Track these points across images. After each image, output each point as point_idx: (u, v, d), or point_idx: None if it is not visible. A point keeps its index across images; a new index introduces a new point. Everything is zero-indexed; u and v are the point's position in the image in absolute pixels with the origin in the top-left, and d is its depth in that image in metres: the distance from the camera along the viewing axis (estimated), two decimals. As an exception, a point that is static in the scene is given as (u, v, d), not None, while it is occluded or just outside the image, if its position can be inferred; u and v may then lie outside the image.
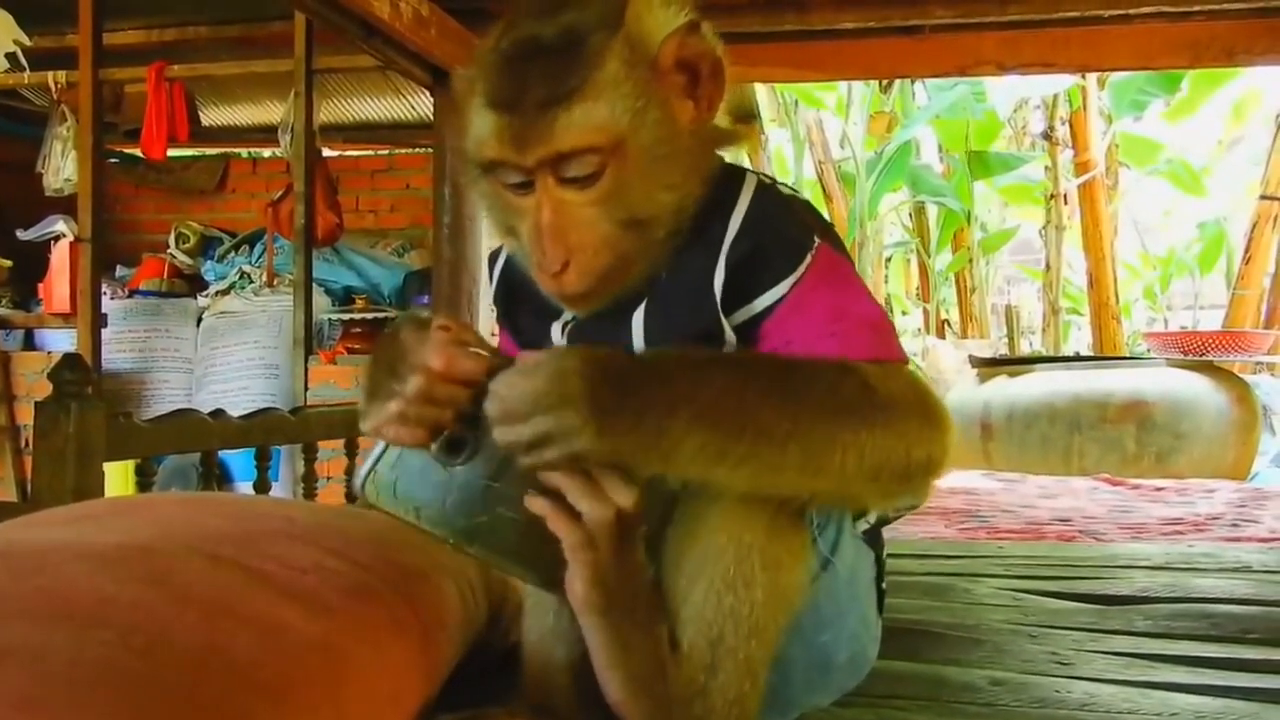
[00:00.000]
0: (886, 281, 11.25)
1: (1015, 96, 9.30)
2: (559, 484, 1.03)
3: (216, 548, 1.09)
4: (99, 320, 4.82)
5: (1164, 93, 8.93)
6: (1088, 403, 6.37)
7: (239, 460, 5.40)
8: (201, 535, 1.13)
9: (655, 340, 1.20)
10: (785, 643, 1.18)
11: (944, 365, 9.07)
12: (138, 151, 6.23)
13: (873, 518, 1.36)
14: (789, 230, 1.20)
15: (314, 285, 5.59)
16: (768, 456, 1.04)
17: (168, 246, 7.08)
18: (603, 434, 0.98)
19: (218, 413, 3.09)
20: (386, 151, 7.32)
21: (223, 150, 7.53)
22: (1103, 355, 8.59)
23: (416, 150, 7.08)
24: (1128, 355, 8.72)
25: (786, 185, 1.31)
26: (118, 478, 4.50)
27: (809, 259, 1.18)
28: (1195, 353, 6.83)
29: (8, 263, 6.77)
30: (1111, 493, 4.54)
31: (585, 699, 1.10)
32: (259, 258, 6.73)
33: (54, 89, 6.07)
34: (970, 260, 10.45)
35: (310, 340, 5.41)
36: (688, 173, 1.19)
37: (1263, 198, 8.45)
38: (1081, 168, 9.30)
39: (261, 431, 3.24)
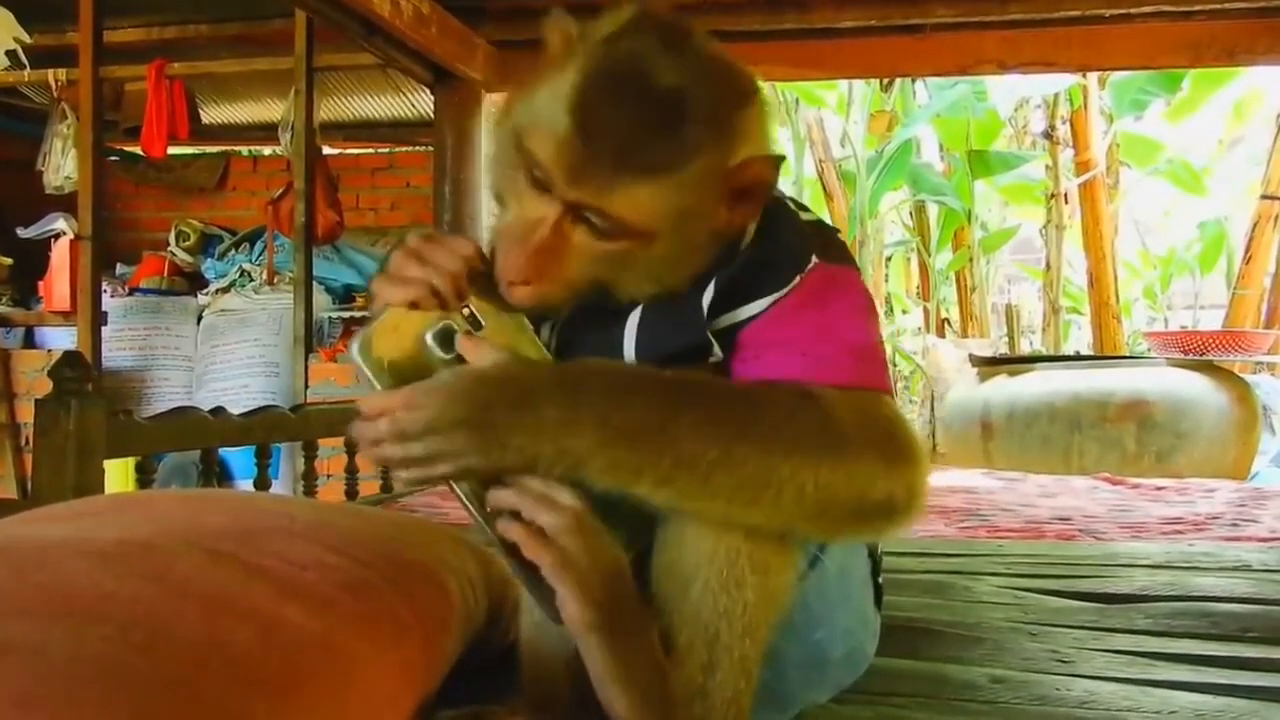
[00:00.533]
0: (887, 280, 11.24)
1: (1016, 96, 9.29)
2: (511, 503, 1.05)
3: (216, 544, 1.08)
4: (99, 318, 4.83)
5: (1165, 92, 8.92)
6: (1088, 402, 6.37)
7: (239, 458, 5.41)
8: (201, 531, 1.12)
9: (645, 349, 1.19)
10: (779, 640, 1.18)
11: (944, 364, 9.06)
12: (138, 149, 6.24)
13: None
14: (785, 248, 1.19)
15: (314, 283, 5.60)
16: (688, 483, 1.04)
17: (168, 244, 7.08)
18: (488, 453, 1.01)
19: (218, 410, 3.10)
20: (387, 149, 7.33)
21: (223, 148, 7.54)
22: (1103, 354, 8.59)
23: (417, 148, 7.09)
24: (1128, 355, 8.72)
25: (806, 209, 1.29)
26: (118, 475, 4.50)
27: (798, 279, 1.17)
28: (1195, 352, 6.82)
29: (8, 260, 6.78)
30: (1112, 492, 4.54)
31: (584, 696, 1.10)
32: (259, 256, 6.73)
33: (54, 87, 6.08)
34: (971, 259, 10.44)
35: (310, 338, 5.42)
36: (683, 272, 1.17)
37: (1263, 197, 8.44)
38: (1082, 167, 9.30)
39: (262, 429, 3.24)
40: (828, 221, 1.34)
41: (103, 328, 4.96)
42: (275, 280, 6.54)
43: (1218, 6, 4.74)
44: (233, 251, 6.94)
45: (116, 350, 6.53)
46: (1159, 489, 4.57)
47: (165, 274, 6.95)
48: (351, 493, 3.88)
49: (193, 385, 6.65)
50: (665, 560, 1.15)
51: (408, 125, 7.05)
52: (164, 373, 6.69)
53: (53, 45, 5.38)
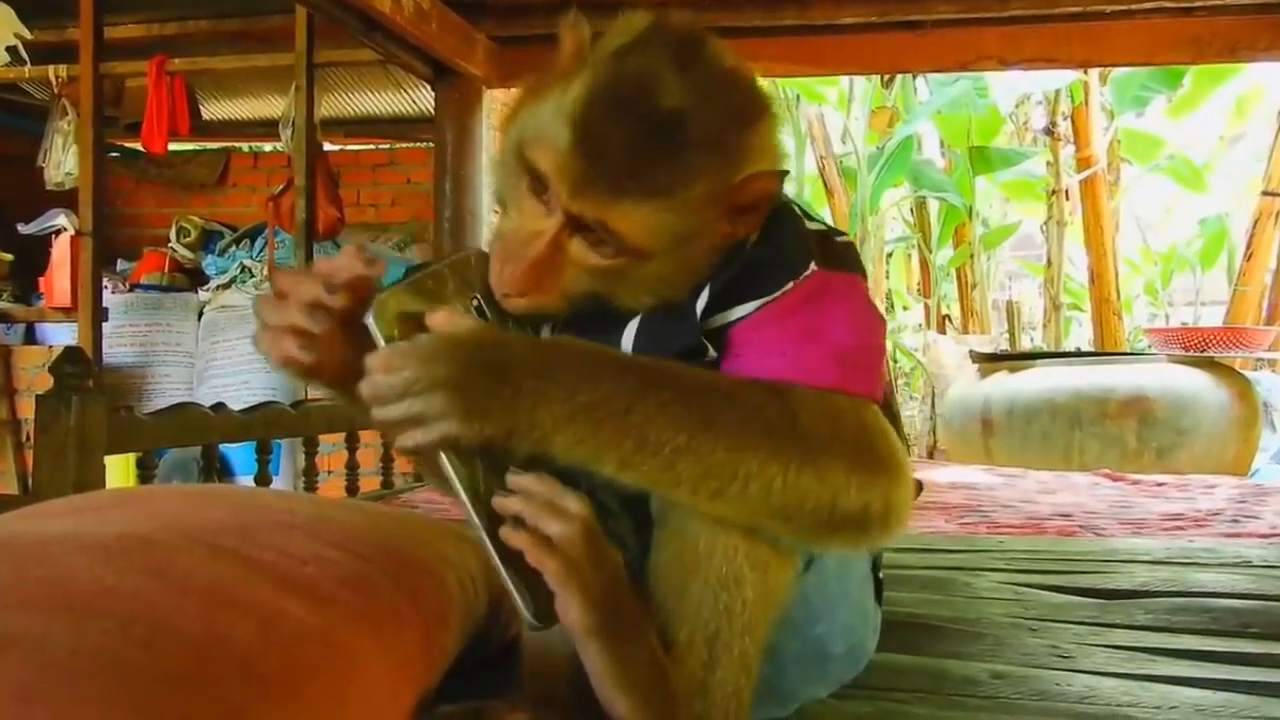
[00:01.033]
0: (888, 277, 11.23)
1: (1017, 92, 9.28)
2: (517, 510, 1.04)
3: (217, 539, 1.08)
4: (100, 314, 4.83)
5: (1166, 88, 8.91)
6: (1088, 398, 6.37)
7: (240, 454, 5.41)
8: (202, 526, 1.12)
9: (643, 351, 1.18)
10: (778, 636, 1.19)
11: (945, 360, 9.06)
12: (138, 146, 6.23)
13: None
14: (782, 255, 1.18)
15: (315, 279, 5.58)
16: (652, 468, 1.03)
17: (169, 241, 7.09)
18: (470, 418, 0.99)
19: (219, 406, 3.10)
20: (387, 146, 7.33)
21: (224, 144, 7.54)
22: (1104, 351, 8.58)
23: (417, 144, 7.09)
24: (1129, 351, 8.72)
25: (815, 218, 1.29)
26: (119, 471, 4.50)
27: (791, 285, 1.16)
28: (1196, 349, 6.82)
29: (9, 257, 6.79)
30: (1112, 488, 4.54)
31: (585, 692, 1.10)
32: (260, 252, 6.73)
33: (55, 83, 6.08)
34: (971, 256, 10.43)
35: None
36: (681, 286, 1.17)
37: (1264, 194, 8.44)
38: (1083, 163, 9.29)
39: (262, 425, 3.25)
40: (836, 228, 1.32)
41: (103, 324, 4.96)
42: (276, 276, 6.54)
43: (1219, 3, 4.74)
44: (233, 248, 6.94)
45: (117, 346, 6.53)
46: (1159, 485, 4.58)
47: (166, 270, 6.95)
48: (352, 489, 3.88)
49: (193, 381, 6.65)
50: (663, 558, 1.15)
51: (408, 121, 7.05)
52: (165, 369, 6.69)
53: (53, 41, 5.38)
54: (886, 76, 9.39)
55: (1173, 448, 6.20)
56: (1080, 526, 3.35)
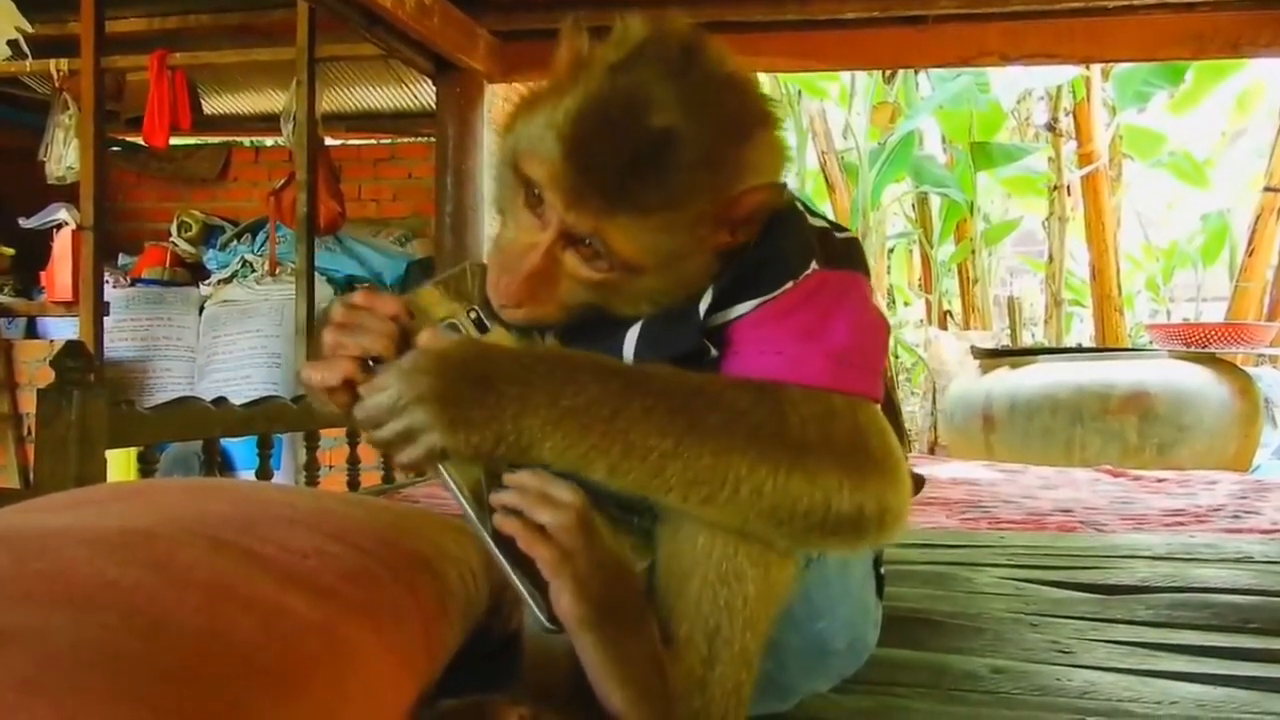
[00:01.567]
0: (889, 272, 11.23)
1: (1019, 87, 9.27)
2: (512, 503, 1.05)
3: (218, 532, 1.09)
4: (101, 308, 4.83)
5: (1168, 84, 8.90)
6: (1090, 394, 6.37)
7: (241, 448, 5.42)
8: (203, 520, 1.13)
9: (644, 355, 1.18)
10: (780, 631, 1.18)
11: (946, 356, 9.06)
12: (140, 140, 6.23)
13: None
14: (784, 254, 1.18)
15: (316, 274, 5.59)
16: (641, 473, 1.03)
17: (170, 235, 7.08)
18: (455, 430, 1.00)
19: (220, 401, 3.10)
20: (389, 140, 7.33)
21: (225, 139, 7.54)
22: (1105, 347, 8.59)
23: (419, 139, 7.09)
24: (1130, 347, 8.72)
25: (818, 214, 1.28)
26: (120, 465, 4.50)
27: (790, 284, 1.16)
28: (1198, 345, 6.81)
29: (10, 251, 6.78)
30: (1113, 484, 4.54)
31: (585, 686, 1.10)
32: (261, 246, 6.73)
33: (56, 77, 6.07)
34: (973, 251, 10.43)
35: (312, 329, 5.41)
36: (679, 295, 1.17)
37: (1266, 190, 8.43)
38: (1085, 159, 9.29)
39: (264, 420, 3.25)
40: (839, 224, 1.32)
41: (105, 318, 4.96)
42: (277, 271, 6.54)
43: (1221, -2, 4.74)
44: (235, 242, 6.93)
45: (118, 341, 6.53)
46: (1160, 481, 4.57)
47: (167, 265, 6.94)
48: (353, 483, 3.88)
49: (194, 376, 6.65)
50: (664, 554, 1.15)
51: (409, 116, 7.04)
52: (166, 363, 6.69)
53: (54, 35, 5.37)
54: (888, 72, 9.38)
55: (1174, 443, 6.20)
56: (1081, 522, 3.34)
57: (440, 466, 1.04)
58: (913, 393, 10.62)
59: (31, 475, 5.19)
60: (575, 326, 1.21)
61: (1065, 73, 8.55)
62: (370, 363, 1.07)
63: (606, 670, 1.07)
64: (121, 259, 7.09)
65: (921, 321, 11.70)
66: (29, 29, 4.56)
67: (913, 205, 11.19)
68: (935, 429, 9.18)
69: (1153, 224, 12.65)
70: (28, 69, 5.95)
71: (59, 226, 6.51)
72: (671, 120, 1.07)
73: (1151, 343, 7.83)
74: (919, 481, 1.52)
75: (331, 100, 6.71)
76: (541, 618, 1.06)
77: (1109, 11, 4.89)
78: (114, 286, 6.64)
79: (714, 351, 1.16)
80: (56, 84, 6.12)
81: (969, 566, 2.46)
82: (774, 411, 1.07)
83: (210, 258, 6.96)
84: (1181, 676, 1.65)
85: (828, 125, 10.09)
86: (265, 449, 3.29)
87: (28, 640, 0.80)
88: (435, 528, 1.40)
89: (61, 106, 6.13)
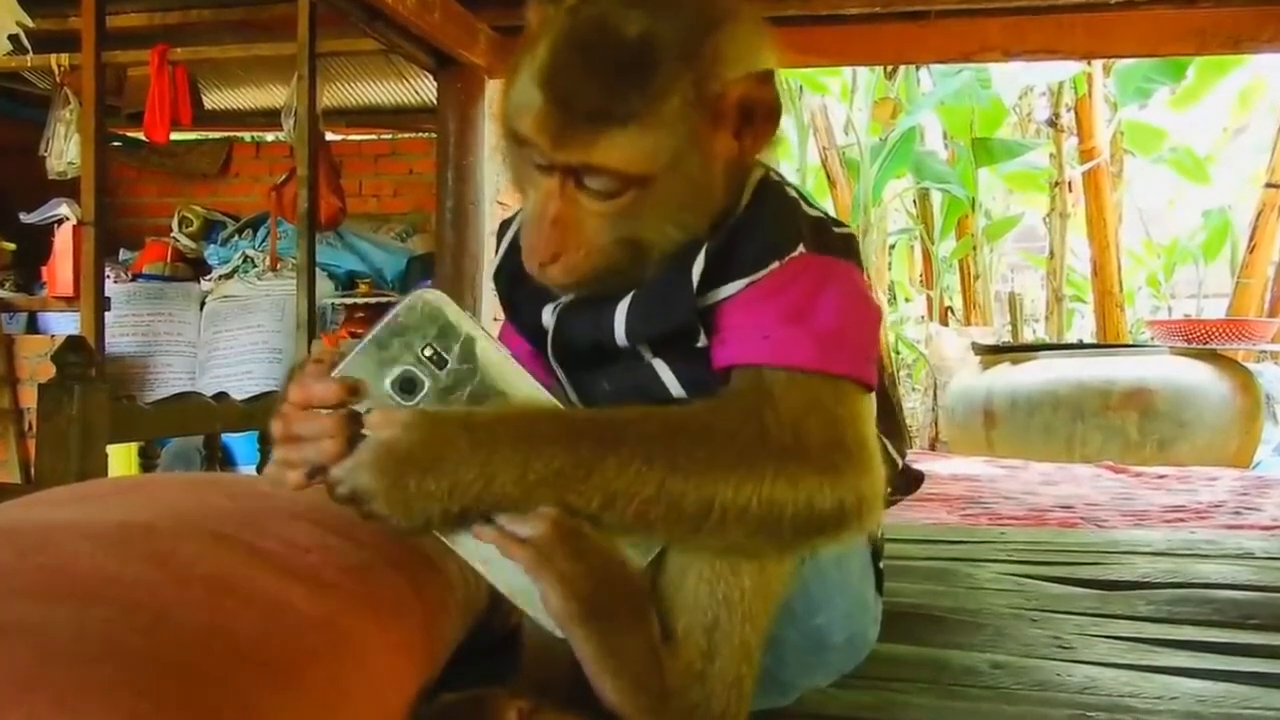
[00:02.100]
0: (890, 268, 11.23)
1: (1020, 83, 9.27)
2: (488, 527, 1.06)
3: (219, 526, 1.09)
4: (102, 304, 4.82)
5: (1169, 80, 8.90)
6: (1091, 390, 6.38)
7: (242, 444, 5.41)
8: (204, 514, 1.13)
9: (634, 331, 1.19)
10: (778, 626, 1.18)
11: (947, 352, 9.06)
12: (141, 135, 6.23)
13: None
14: (773, 230, 1.19)
15: (317, 269, 5.59)
16: (621, 518, 1.04)
17: (171, 230, 7.08)
18: (413, 517, 1.02)
19: (221, 396, 3.10)
20: (389, 136, 7.32)
21: (226, 134, 7.53)
22: (1106, 343, 8.59)
23: (419, 135, 7.08)
24: (1131, 343, 8.73)
25: (815, 205, 1.29)
26: (121, 461, 4.51)
27: (776, 264, 1.16)
28: (1199, 341, 6.82)
29: (11, 246, 6.78)
30: (1114, 480, 4.55)
31: (585, 679, 1.10)
32: (262, 242, 6.73)
33: (57, 72, 6.06)
34: (974, 247, 10.43)
35: (313, 324, 5.40)
36: (704, 210, 1.18)
37: (1268, 186, 8.43)
38: (1086, 155, 9.28)
39: (265, 415, 3.21)
40: (837, 219, 1.32)
41: (106, 313, 4.95)
42: (278, 266, 6.54)
43: (1223, -6, 4.73)
44: (235, 237, 6.93)
45: (119, 336, 6.53)
46: (1161, 477, 4.58)
47: (168, 260, 6.94)
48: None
49: (195, 371, 6.65)
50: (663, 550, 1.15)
51: (410, 111, 7.03)
52: (167, 359, 6.69)
53: (55, 30, 5.36)
54: (889, 67, 9.37)
55: (1175, 440, 6.21)
56: (1082, 518, 3.35)
57: None
58: (914, 389, 10.63)
59: (32, 470, 5.19)
60: (571, 304, 1.23)
61: (1067, 68, 8.55)
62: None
63: (600, 664, 1.08)
64: (123, 254, 7.09)
65: (922, 318, 11.70)
66: (30, 24, 4.55)
67: (914, 201, 11.18)
68: (936, 425, 9.19)
69: (1154, 220, 12.63)
70: (29, 64, 5.94)
71: (60, 222, 6.51)
72: (635, 27, 1.09)
73: (1153, 339, 7.84)
74: (919, 478, 1.53)
75: (332, 95, 6.70)
76: (542, 623, 1.07)
77: (1110, 7, 4.88)
78: (115, 282, 6.63)
79: (703, 339, 1.17)
80: (57, 79, 6.12)
81: (969, 562, 2.46)
82: (758, 427, 1.07)
83: (211, 253, 6.95)
84: (1182, 672, 1.65)
85: (829, 121, 10.08)
86: (266, 444, 3.29)
87: (29, 634, 0.80)
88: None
89: (62, 101, 6.12)
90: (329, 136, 6.66)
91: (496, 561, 1.06)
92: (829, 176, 10.13)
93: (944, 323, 10.70)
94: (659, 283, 1.18)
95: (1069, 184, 9.60)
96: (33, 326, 6.87)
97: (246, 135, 7.64)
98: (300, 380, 1.06)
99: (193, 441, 4.39)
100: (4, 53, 4.62)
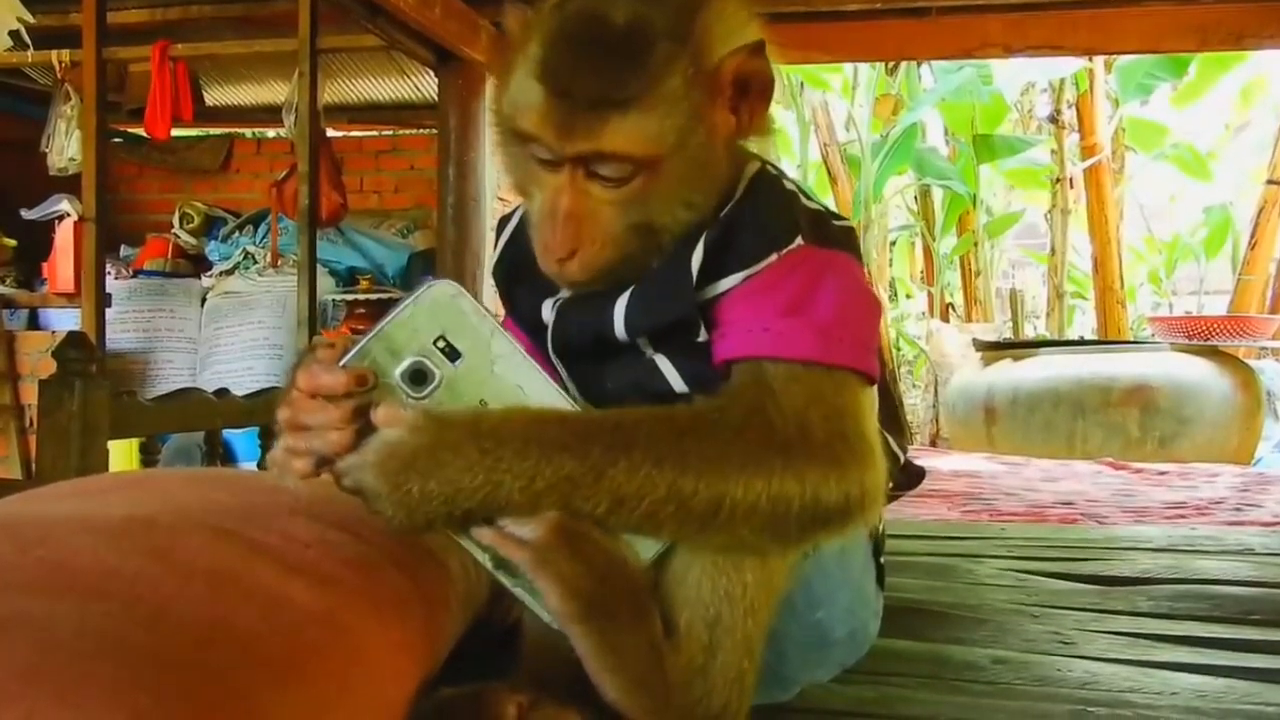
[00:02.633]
0: (891, 265, 11.23)
1: (1022, 79, 9.26)
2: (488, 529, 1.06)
3: (220, 521, 1.09)
4: (103, 300, 4.82)
5: (1171, 76, 8.90)
6: (1091, 387, 6.38)
7: (243, 440, 5.42)
8: (205, 509, 1.13)
9: (634, 325, 1.19)
10: (780, 620, 1.19)
11: (948, 349, 9.06)
12: (142, 131, 6.22)
13: None
14: (770, 222, 1.19)
15: (318, 266, 5.59)
16: (632, 519, 1.04)
17: (172, 226, 7.07)
18: (414, 519, 1.02)
19: (222, 392, 3.10)
20: (390, 132, 7.31)
21: (227, 130, 7.53)
22: (1107, 340, 8.58)
23: (421, 131, 7.07)
24: (1132, 340, 8.72)
25: (793, 181, 1.29)
26: (122, 456, 4.51)
27: (776, 256, 1.17)
28: (1200, 338, 6.82)
29: (12, 242, 6.78)
30: (1114, 476, 4.55)
31: (586, 675, 1.10)
32: (263, 238, 6.73)
33: (58, 68, 6.06)
34: (975, 244, 10.43)
35: (314, 321, 5.40)
36: (711, 189, 1.19)
37: (1269, 183, 8.43)
38: (1087, 151, 9.28)
39: (265, 411, 3.22)
40: (836, 212, 1.33)
41: (107, 309, 4.96)
42: (279, 263, 6.53)
43: (1225, -11, 4.73)
44: (236, 234, 6.93)
45: (120, 332, 6.53)
46: (1162, 474, 4.58)
47: (169, 256, 6.94)
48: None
49: (196, 367, 6.65)
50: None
51: (411, 107, 7.03)
52: (167, 355, 6.69)
53: (56, 26, 5.36)
54: (891, 64, 9.37)
55: (1175, 436, 6.21)
56: (1082, 514, 3.35)
57: None
58: (915, 385, 10.63)
59: (33, 466, 5.20)
60: (571, 299, 1.23)
61: (1068, 65, 8.54)
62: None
63: (600, 661, 1.08)
64: (123, 250, 7.08)
65: (923, 314, 11.71)
66: (31, 20, 4.55)
67: (915, 198, 11.19)
68: (937, 421, 9.19)
69: (1155, 217, 12.63)
70: (29, 60, 5.93)
71: (61, 218, 6.51)
72: (623, 14, 1.11)
73: (1153, 335, 7.83)
74: (920, 473, 1.53)
75: (333, 92, 6.70)
76: (542, 614, 1.07)
77: (1112, 3, 4.88)
78: (116, 278, 6.63)
79: (704, 334, 1.17)
80: (58, 75, 6.11)
81: (970, 558, 2.46)
82: (762, 423, 1.07)
83: (212, 249, 6.95)
84: (1182, 667, 1.65)
85: (830, 117, 10.08)
86: (267, 440, 3.29)
87: (30, 628, 0.80)
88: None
89: (63, 97, 6.12)
90: (330, 133, 6.66)
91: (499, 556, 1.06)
92: (830, 173, 10.12)
93: (945, 319, 10.70)
94: (658, 275, 1.18)
95: (1070, 180, 9.60)
96: (34, 322, 6.86)
97: (247, 131, 7.63)
98: (309, 367, 1.06)
99: (194, 437, 4.39)
100: (5, 48, 4.61)
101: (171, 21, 5.56)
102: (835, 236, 1.25)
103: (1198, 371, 6.29)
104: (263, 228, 6.76)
